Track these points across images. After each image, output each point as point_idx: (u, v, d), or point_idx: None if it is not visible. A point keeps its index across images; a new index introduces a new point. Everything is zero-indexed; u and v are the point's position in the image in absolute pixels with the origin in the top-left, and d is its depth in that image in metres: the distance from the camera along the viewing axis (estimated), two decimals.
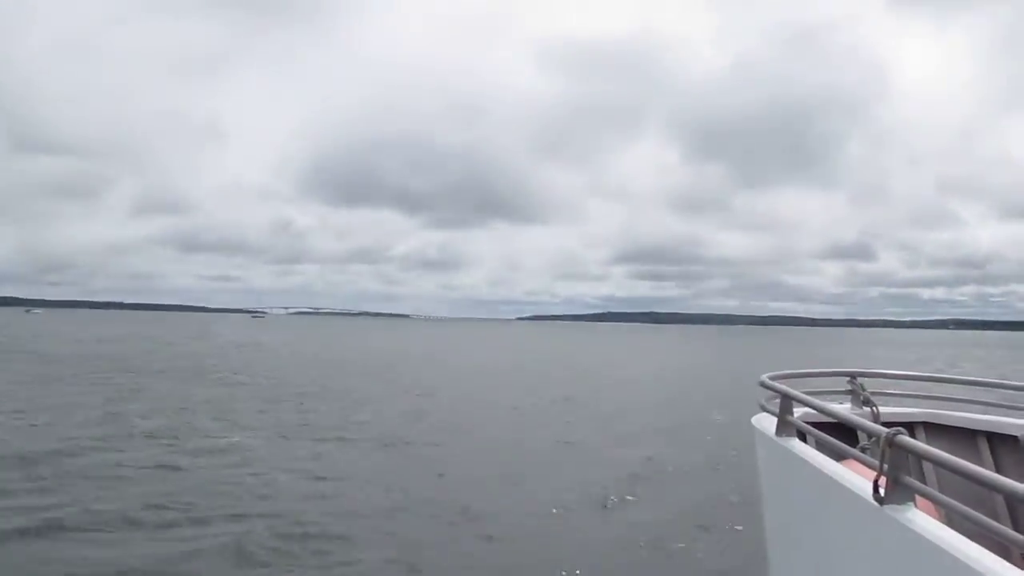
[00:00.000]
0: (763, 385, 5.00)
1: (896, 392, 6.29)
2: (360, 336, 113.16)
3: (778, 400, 4.71)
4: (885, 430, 3.05)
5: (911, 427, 5.84)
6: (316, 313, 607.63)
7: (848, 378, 5.83)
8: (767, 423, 4.88)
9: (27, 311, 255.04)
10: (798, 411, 4.69)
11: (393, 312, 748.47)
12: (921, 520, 2.91)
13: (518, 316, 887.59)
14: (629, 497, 13.86)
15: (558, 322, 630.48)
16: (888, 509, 3.03)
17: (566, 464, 16.79)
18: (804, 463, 4.08)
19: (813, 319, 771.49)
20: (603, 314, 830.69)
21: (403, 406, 25.68)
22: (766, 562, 5.15)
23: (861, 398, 5.69)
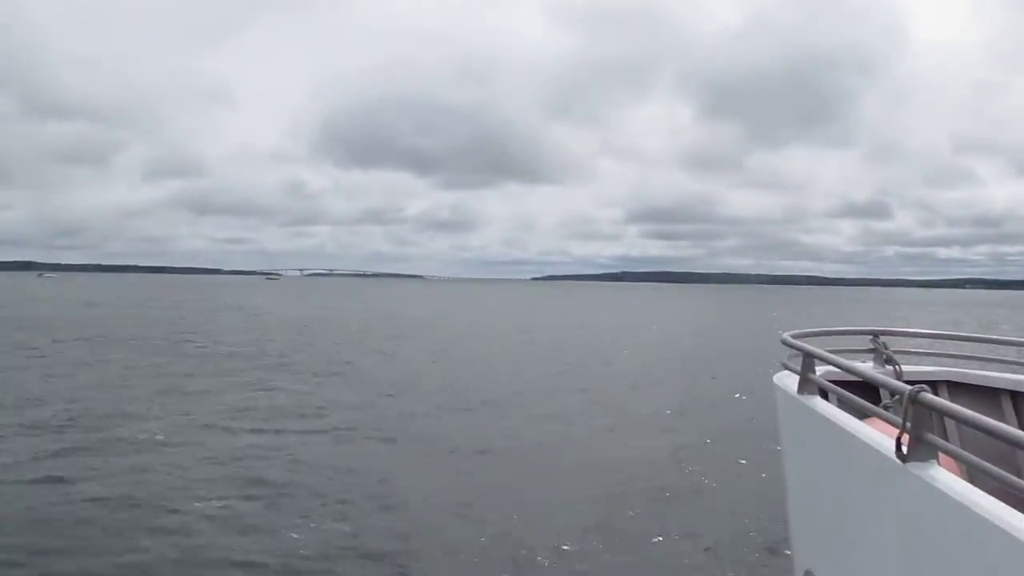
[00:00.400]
0: (785, 343, 4.95)
1: (919, 351, 6.17)
2: (365, 298, 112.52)
3: (800, 358, 4.69)
4: (908, 387, 3.03)
5: (934, 386, 5.65)
6: (330, 275, 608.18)
7: (871, 336, 5.79)
8: (789, 381, 4.85)
9: (40, 275, 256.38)
10: (820, 369, 4.67)
11: (407, 273, 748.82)
12: (944, 477, 2.89)
13: (532, 276, 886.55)
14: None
15: (572, 282, 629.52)
16: (911, 467, 3.01)
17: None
18: (826, 421, 4.08)
19: (828, 278, 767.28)
20: (617, 274, 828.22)
21: (380, 387, 22.60)
22: (787, 520, 5.15)
23: (884, 356, 5.66)
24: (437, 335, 42.55)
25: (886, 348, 5.71)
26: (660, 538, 10.00)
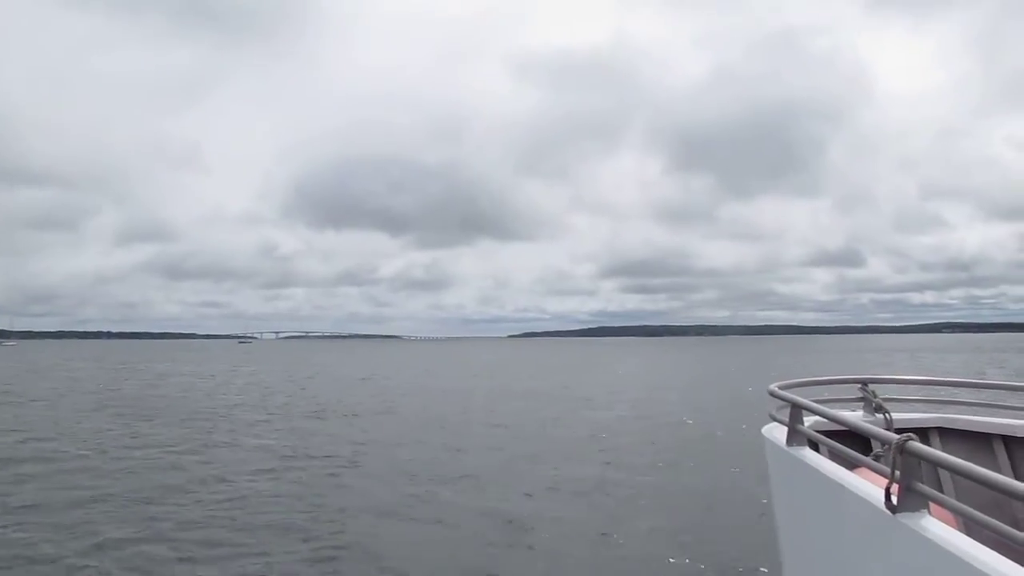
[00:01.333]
0: (772, 395, 4.94)
1: (908, 398, 6.15)
2: (339, 362, 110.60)
3: (788, 409, 4.66)
4: (896, 436, 3.02)
5: (925, 433, 5.74)
6: (306, 337, 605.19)
7: (859, 385, 5.75)
8: (777, 433, 4.82)
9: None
10: (808, 420, 4.70)
11: (384, 334, 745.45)
12: (936, 528, 2.86)
13: (509, 334, 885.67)
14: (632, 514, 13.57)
15: (550, 338, 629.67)
16: (901, 517, 2.98)
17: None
18: (816, 472, 4.03)
19: (805, 327, 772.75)
20: (595, 328, 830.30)
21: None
22: (780, 572, 5.05)
23: (873, 405, 5.61)
24: (423, 398, 41.72)
25: (875, 396, 5.65)
26: None
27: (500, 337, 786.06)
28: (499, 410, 32.10)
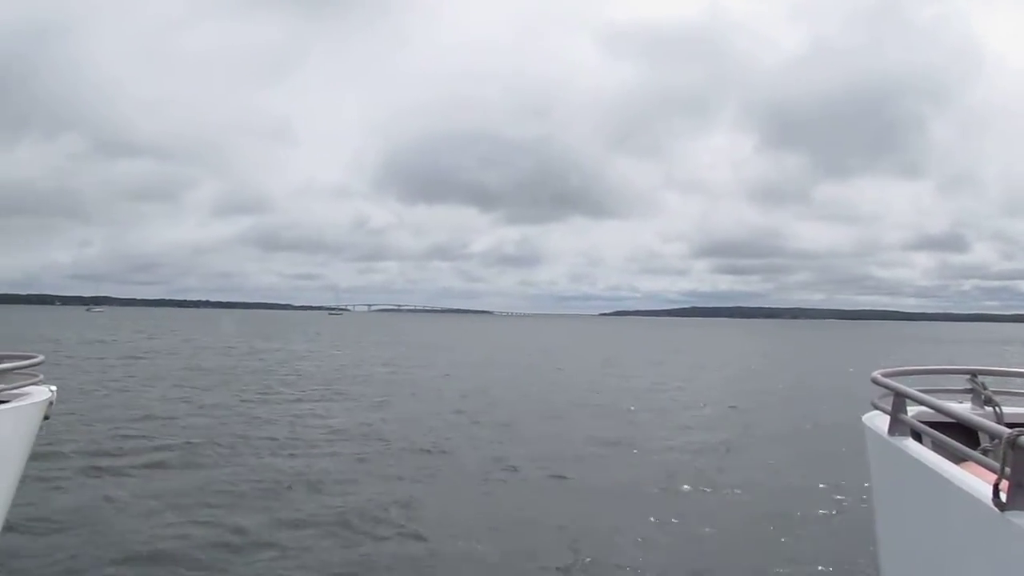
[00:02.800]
0: (875, 382, 4.80)
1: (1021, 391, 5.88)
2: (444, 333, 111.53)
3: (891, 397, 4.56)
4: (1007, 430, 2.91)
5: None
6: (398, 310, 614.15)
7: (968, 376, 5.53)
8: (879, 422, 4.74)
9: (88, 309, 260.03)
10: (912, 410, 4.56)
11: (475, 309, 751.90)
12: None
13: (601, 312, 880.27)
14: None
15: (642, 317, 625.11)
16: (1010, 515, 2.86)
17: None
18: (919, 464, 3.92)
19: (905, 313, 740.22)
20: (687, 309, 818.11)
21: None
22: (877, 567, 5.02)
23: (983, 397, 5.37)
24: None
25: (985, 388, 5.41)
26: None
27: (591, 315, 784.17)
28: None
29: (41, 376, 6.53)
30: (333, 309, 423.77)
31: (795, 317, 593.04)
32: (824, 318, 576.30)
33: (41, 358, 6.50)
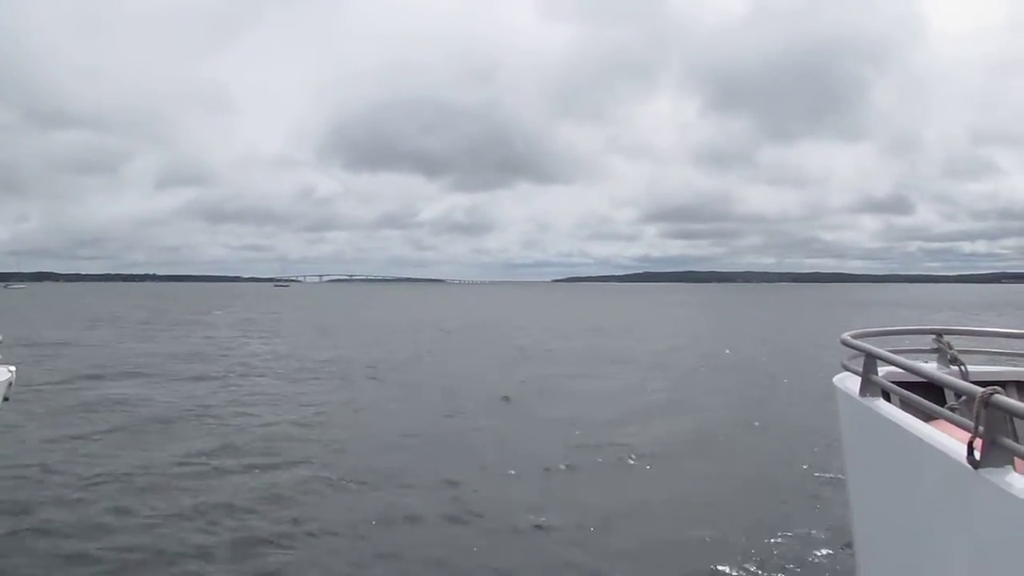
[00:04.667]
0: (845, 343, 4.89)
1: (984, 350, 6.03)
2: (388, 303, 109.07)
3: (861, 359, 4.62)
4: (980, 389, 2.96)
5: (1003, 387, 4.72)
6: (351, 280, 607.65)
7: (934, 336, 5.65)
8: (850, 383, 4.77)
9: (4, 286, 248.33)
10: (882, 370, 4.56)
11: (428, 277, 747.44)
12: (1021, 483, 2.79)
13: (554, 279, 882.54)
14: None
15: (595, 283, 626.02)
16: (984, 472, 2.91)
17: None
18: (891, 424, 3.97)
19: (853, 275, 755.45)
20: (640, 274, 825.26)
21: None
22: (851, 528, 5.01)
23: (948, 356, 5.47)
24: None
25: (950, 348, 5.51)
26: (713, 543, 9.33)
27: (545, 282, 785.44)
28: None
29: (0, 356, 6.38)
30: (279, 281, 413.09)
31: (747, 281, 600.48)
32: (775, 281, 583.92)
33: (0, 338, 6.46)
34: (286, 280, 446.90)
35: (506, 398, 20.03)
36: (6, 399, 6.41)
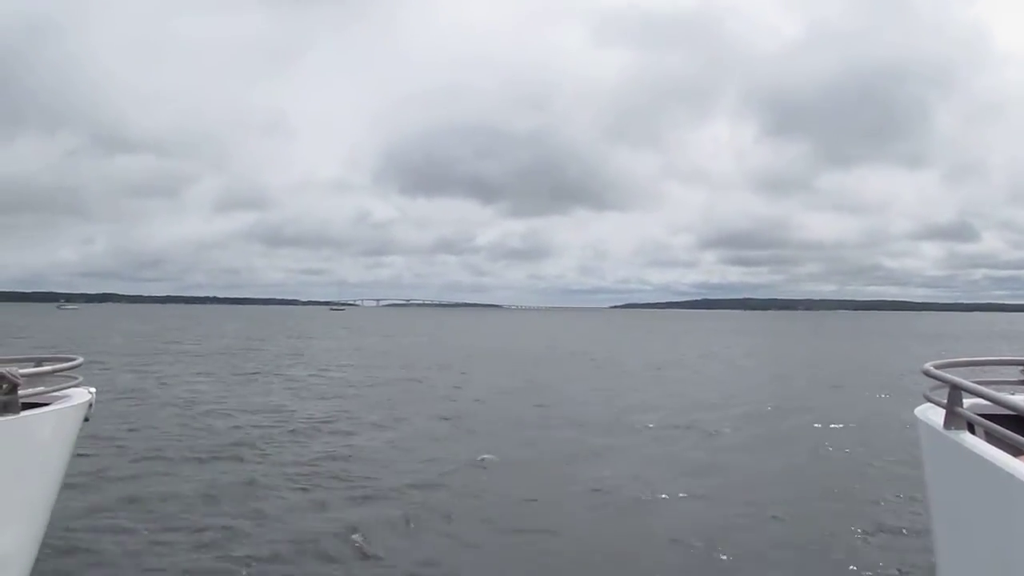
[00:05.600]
0: (927, 374, 4.73)
1: None
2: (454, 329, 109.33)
3: (945, 390, 4.45)
4: None
5: None
6: (407, 304, 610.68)
7: (1021, 367, 5.44)
8: (933, 415, 4.63)
9: (58, 306, 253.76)
10: (967, 402, 4.40)
11: (484, 303, 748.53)
12: None
13: (611, 304, 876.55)
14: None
15: (654, 310, 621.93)
16: None
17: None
18: (978, 458, 3.79)
19: (917, 303, 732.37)
20: (699, 301, 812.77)
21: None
22: (935, 567, 4.81)
23: None
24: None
25: None
26: None
27: (602, 308, 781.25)
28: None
29: (80, 378, 6.50)
30: (335, 304, 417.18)
31: (808, 308, 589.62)
32: (835, 309, 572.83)
33: (80, 360, 6.54)
34: (342, 304, 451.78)
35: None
36: (87, 420, 6.54)
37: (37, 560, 6.12)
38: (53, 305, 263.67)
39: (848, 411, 21.71)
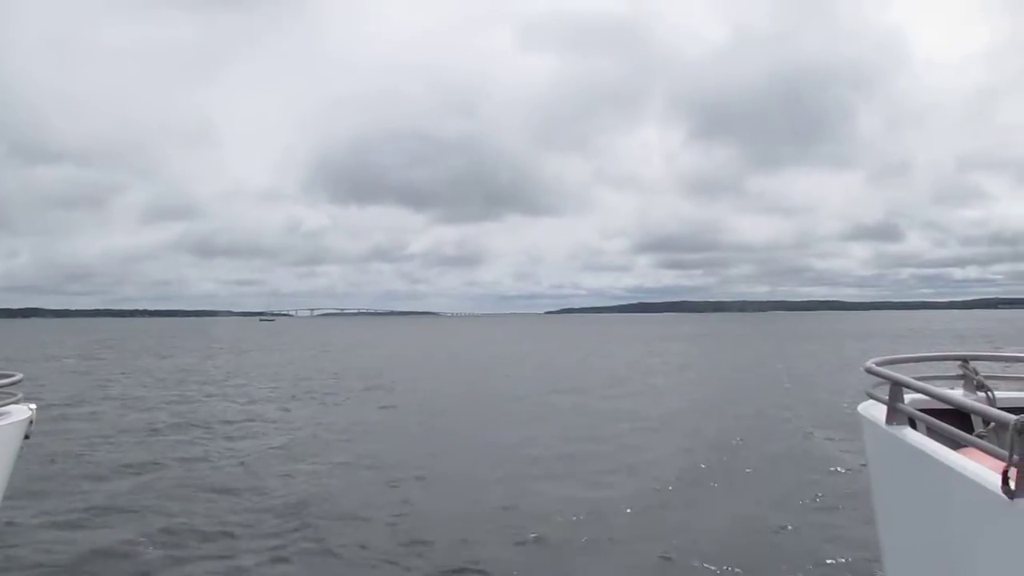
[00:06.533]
0: (870, 371, 4.78)
1: (1009, 376, 5.79)
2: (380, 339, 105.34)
3: (887, 386, 4.53)
4: (1013, 417, 2.86)
5: None
6: (342, 314, 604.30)
7: (959, 362, 5.45)
8: (875, 411, 4.67)
9: None
10: (908, 397, 4.50)
11: (421, 310, 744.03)
12: None
13: (547, 310, 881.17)
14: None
15: (589, 314, 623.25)
16: (1021, 503, 2.81)
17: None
18: (920, 453, 3.88)
19: (847, 302, 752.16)
20: (634, 304, 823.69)
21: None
22: (881, 559, 4.86)
23: (975, 383, 5.24)
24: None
25: (976, 373, 5.28)
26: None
27: (538, 313, 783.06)
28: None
29: (20, 395, 6.43)
30: (264, 315, 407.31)
31: (742, 310, 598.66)
32: (769, 310, 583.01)
33: (20, 376, 6.40)
34: (273, 315, 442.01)
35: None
36: (27, 437, 6.39)
37: None
38: None
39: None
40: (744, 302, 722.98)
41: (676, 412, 22.85)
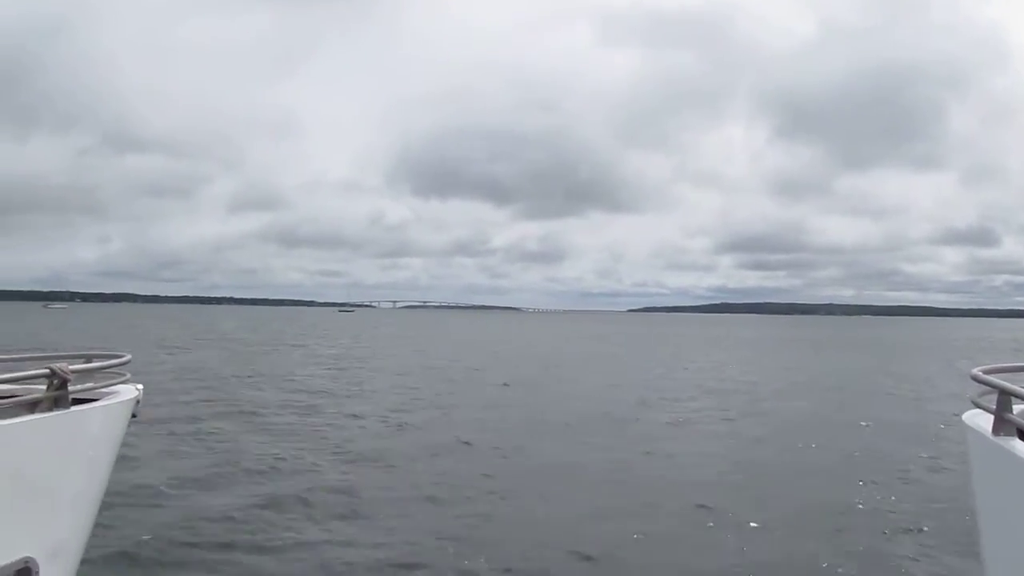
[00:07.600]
0: (976, 379, 4.60)
1: None
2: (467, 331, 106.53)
3: (994, 395, 4.37)
4: None
5: None
6: (424, 306, 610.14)
7: None
8: (982, 421, 4.51)
9: (44, 306, 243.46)
10: (1017, 407, 4.34)
11: (503, 305, 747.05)
12: None
13: (629, 308, 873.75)
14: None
15: (672, 313, 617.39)
16: None
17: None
18: None
19: (938, 308, 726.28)
20: (718, 305, 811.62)
21: None
22: (983, 573, 4.64)
23: None
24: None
25: None
26: None
27: (620, 311, 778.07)
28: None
29: (128, 375, 6.63)
30: (343, 306, 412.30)
31: (829, 313, 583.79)
32: (856, 314, 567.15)
33: (128, 357, 6.68)
34: (353, 305, 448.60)
35: None
36: (135, 416, 6.65)
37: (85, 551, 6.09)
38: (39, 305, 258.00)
39: None
40: (831, 305, 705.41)
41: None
